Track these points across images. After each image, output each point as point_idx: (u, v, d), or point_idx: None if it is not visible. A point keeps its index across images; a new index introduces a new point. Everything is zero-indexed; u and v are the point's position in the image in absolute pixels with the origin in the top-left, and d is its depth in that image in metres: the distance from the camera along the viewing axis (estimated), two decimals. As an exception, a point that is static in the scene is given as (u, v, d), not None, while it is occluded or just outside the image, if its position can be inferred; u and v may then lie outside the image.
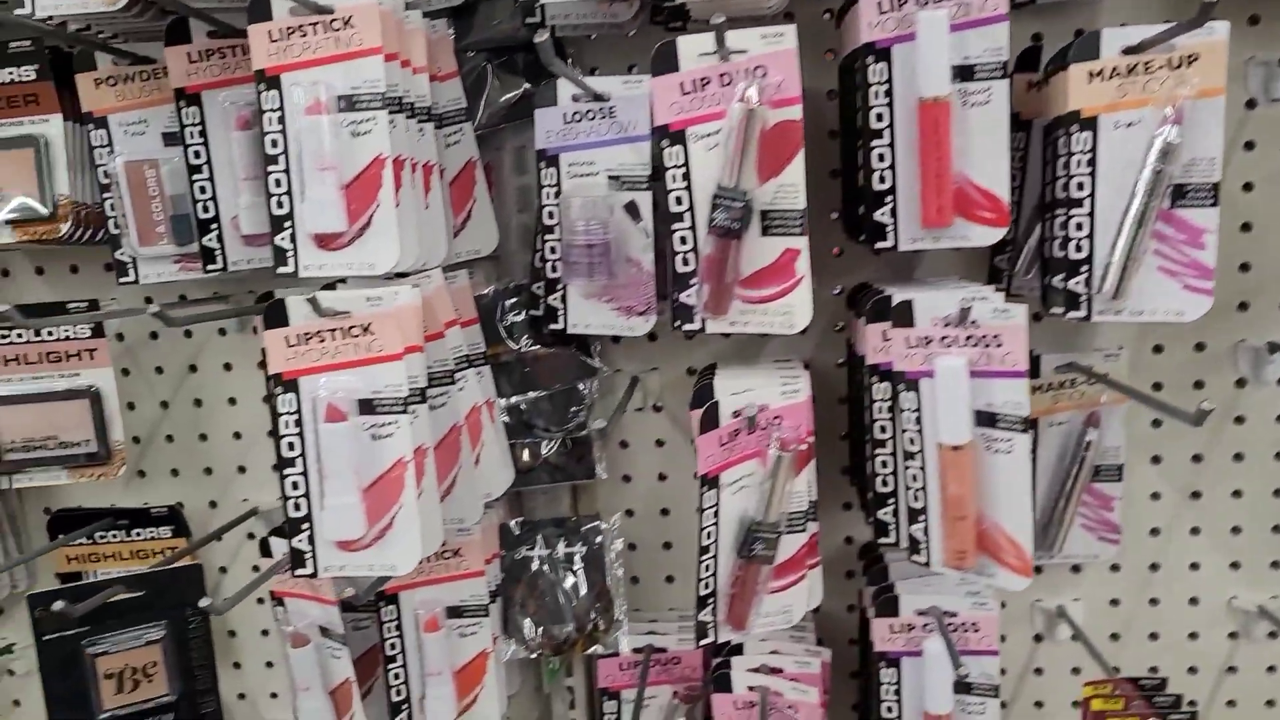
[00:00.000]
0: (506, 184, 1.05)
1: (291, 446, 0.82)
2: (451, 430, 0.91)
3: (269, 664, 1.21)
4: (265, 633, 1.21)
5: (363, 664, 1.04)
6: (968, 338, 0.77)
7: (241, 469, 1.17)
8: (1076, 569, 1.10)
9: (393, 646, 1.00)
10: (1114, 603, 1.10)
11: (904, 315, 0.80)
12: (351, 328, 0.80)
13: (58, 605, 0.84)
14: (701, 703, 1.09)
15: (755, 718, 0.98)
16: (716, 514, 0.87)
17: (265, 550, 0.98)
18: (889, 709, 0.97)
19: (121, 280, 1.00)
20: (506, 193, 1.05)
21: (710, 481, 0.86)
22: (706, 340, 1.09)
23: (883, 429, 0.87)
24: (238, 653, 1.21)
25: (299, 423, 0.82)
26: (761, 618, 0.90)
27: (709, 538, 0.87)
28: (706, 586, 0.88)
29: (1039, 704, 1.13)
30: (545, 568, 1.06)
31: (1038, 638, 1.12)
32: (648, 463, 1.13)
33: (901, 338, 0.81)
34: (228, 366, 1.14)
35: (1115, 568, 1.09)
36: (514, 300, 1.04)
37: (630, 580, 1.15)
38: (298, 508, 0.83)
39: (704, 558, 0.87)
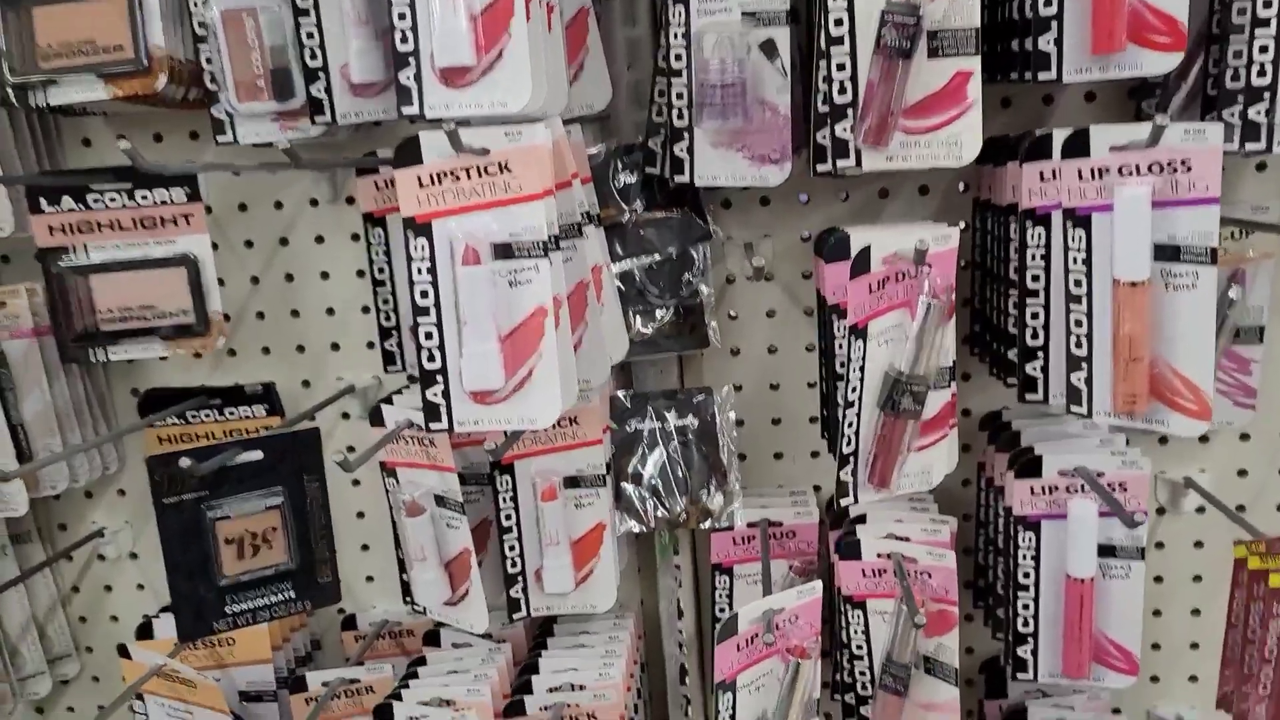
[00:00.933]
0: (615, 36, 1.00)
1: (424, 295, 0.78)
2: (579, 286, 0.87)
3: (364, 547, 1.19)
4: (360, 515, 1.18)
5: (474, 537, 1.02)
6: (1150, 165, 0.72)
7: (335, 346, 1.13)
8: (1204, 438, 1.06)
9: (508, 517, 0.97)
10: (1242, 473, 1.07)
11: (1078, 145, 0.75)
12: (488, 166, 0.76)
13: (185, 462, 0.80)
14: (817, 575, 1.06)
15: (884, 585, 0.95)
16: (863, 367, 0.83)
17: (377, 420, 0.94)
18: (1025, 575, 0.94)
19: (219, 139, 0.95)
20: (615, 46, 1.00)
21: (858, 331, 0.82)
22: (819, 205, 1.05)
23: (1035, 277, 0.83)
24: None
25: (432, 270, 0.78)
26: (902, 478, 0.87)
27: (854, 392, 0.83)
28: (849, 444, 0.85)
29: (1159, 579, 1.10)
30: (657, 440, 1.03)
31: (1160, 510, 1.09)
32: (757, 334, 1.09)
33: (1073, 170, 0.76)
34: (320, 239, 1.10)
35: (1245, 436, 1.05)
36: (627, 159, 0.99)
37: (738, 457, 1.11)
38: (431, 359, 0.79)
39: (848, 412, 0.84)
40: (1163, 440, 1.06)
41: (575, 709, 0.96)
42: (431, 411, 0.80)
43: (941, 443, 0.88)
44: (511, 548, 0.98)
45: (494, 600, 1.01)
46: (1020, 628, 0.95)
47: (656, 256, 1.00)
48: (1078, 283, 0.78)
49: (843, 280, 0.85)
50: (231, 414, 1.10)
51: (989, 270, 0.96)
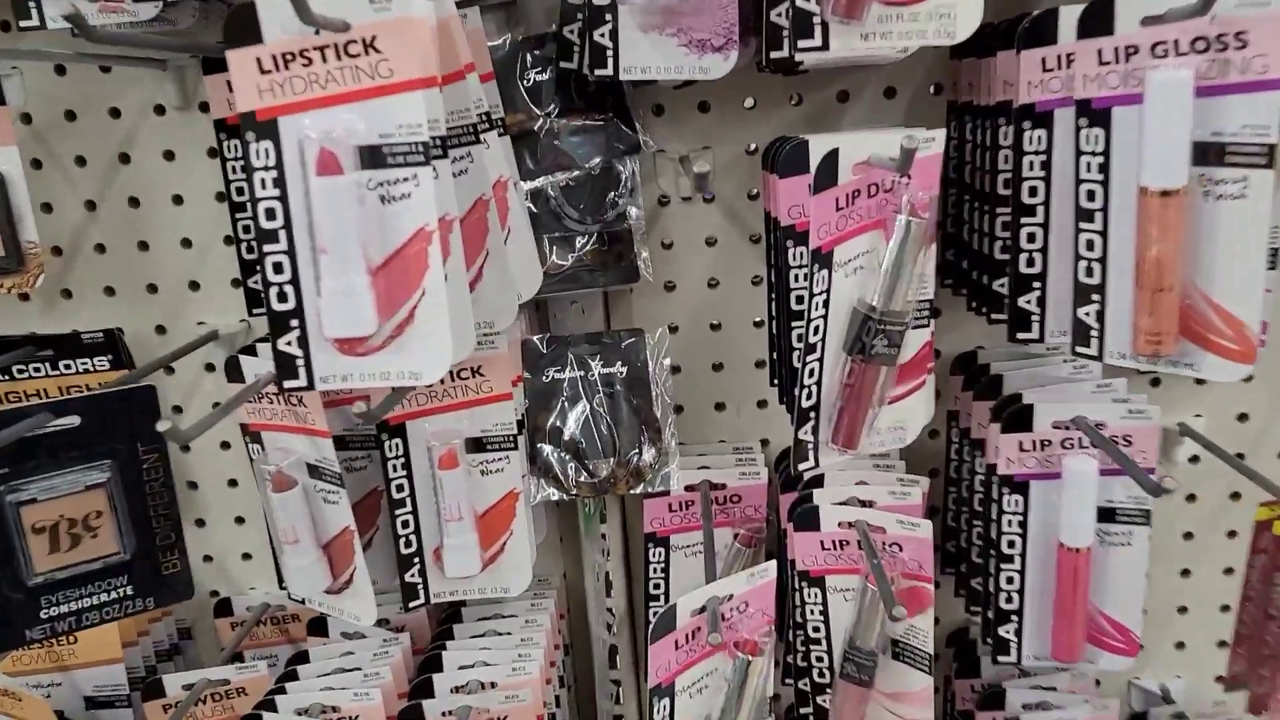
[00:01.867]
0: (521, -98, 0.82)
1: (271, 215, 0.61)
2: (476, 205, 0.70)
3: (239, 520, 1.02)
4: (233, 483, 1.01)
5: (359, 513, 0.86)
6: (1194, 41, 0.57)
7: (194, 285, 0.94)
8: (1201, 380, 0.93)
9: (400, 488, 0.81)
10: (1242, 418, 0.94)
11: (1098, 21, 0.60)
12: (349, 44, 0.58)
13: (-39, 434, 0.63)
14: (766, 544, 0.92)
15: (845, 559, 0.81)
16: (826, 301, 0.68)
17: (234, 373, 0.77)
18: (1010, 544, 0.80)
19: (22, 24, 0.75)
20: (521, -86, 0.82)
21: (822, 258, 0.66)
22: (767, 111, 0.88)
23: (1033, 191, 0.68)
24: (200, 508, 1.01)
25: (280, 182, 0.60)
26: (872, 435, 0.72)
27: (816, 333, 0.68)
28: (809, 396, 0.70)
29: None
30: (580, 391, 0.87)
31: (1150, 462, 0.96)
32: (695, 265, 0.93)
33: (1091, 53, 0.61)
34: (169, 155, 0.91)
35: (1248, 378, 0.92)
36: (538, 53, 0.82)
37: (674, 409, 0.96)
38: (283, 298, 0.62)
39: (808, 358, 0.68)
40: (1154, 382, 0.93)
41: (484, 715, 0.81)
42: (285, 365, 0.63)
43: (918, 392, 0.73)
44: (405, 524, 0.82)
45: (388, 583, 0.85)
46: (1003, 604, 0.82)
47: (575, 172, 0.83)
48: (1091, 195, 0.63)
49: (800, 197, 0.70)
50: (68, 368, 0.92)
51: (968, 186, 0.81)
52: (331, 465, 0.77)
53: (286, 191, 0.60)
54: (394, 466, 0.80)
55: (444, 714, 0.81)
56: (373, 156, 0.59)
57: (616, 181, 0.84)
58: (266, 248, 0.61)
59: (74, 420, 0.69)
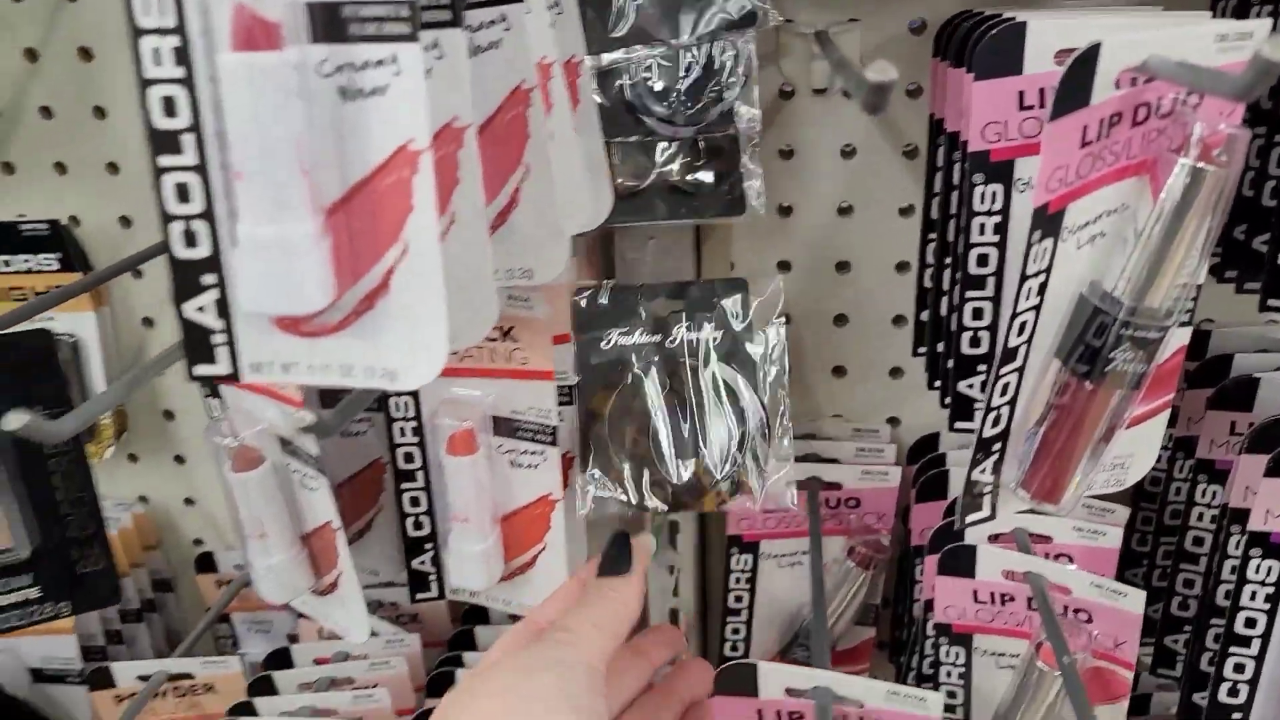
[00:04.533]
0: None
1: (170, 108, 0.38)
2: (511, 98, 0.46)
3: (226, 462, 0.83)
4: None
5: (357, 489, 0.66)
6: None
7: (162, 168, 0.73)
8: None
9: (409, 458, 0.60)
10: None
11: None
12: None
13: None
14: (885, 569, 0.70)
15: (1005, 618, 0.58)
16: (1045, 286, 0.43)
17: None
18: (1249, 622, 0.57)
19: None
20: None
21: (1049, 221, 0.41)
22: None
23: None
24: (178, 442, 0.82)
25: (183, 56, 0.37)
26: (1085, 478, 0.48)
27: (1022, 332, 0.44)
28: (996, 422, 0.46)
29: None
30: (653, 365, 0.64)
31: None
32: (824, 185, 0.68)
33: None
34: (126, -7, 0.68)
35: None
36: None
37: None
38: (191, 241, 0.39)
39: (1004, 370, 0.44)
40: None
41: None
42: (197, 342, 0.41)
43: (1157, 417, 0.49)
44: (415, 501, 0.62)
45: (394, 574, 0.66)
46: (1223, 696, 0.59)
47: (662, 50, 0.58)
48: None
49: (1005, 110, 0.46)
50: (5, 265, 0.72)
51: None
52: (308, 446, 0.56)
53: (193, 74, 0.37)
54: (402, 431, 0.60)
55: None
56: (330, 21, 0.36)
57: (722, 66, 0.59)
58: (163, 160, 0.38)
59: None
